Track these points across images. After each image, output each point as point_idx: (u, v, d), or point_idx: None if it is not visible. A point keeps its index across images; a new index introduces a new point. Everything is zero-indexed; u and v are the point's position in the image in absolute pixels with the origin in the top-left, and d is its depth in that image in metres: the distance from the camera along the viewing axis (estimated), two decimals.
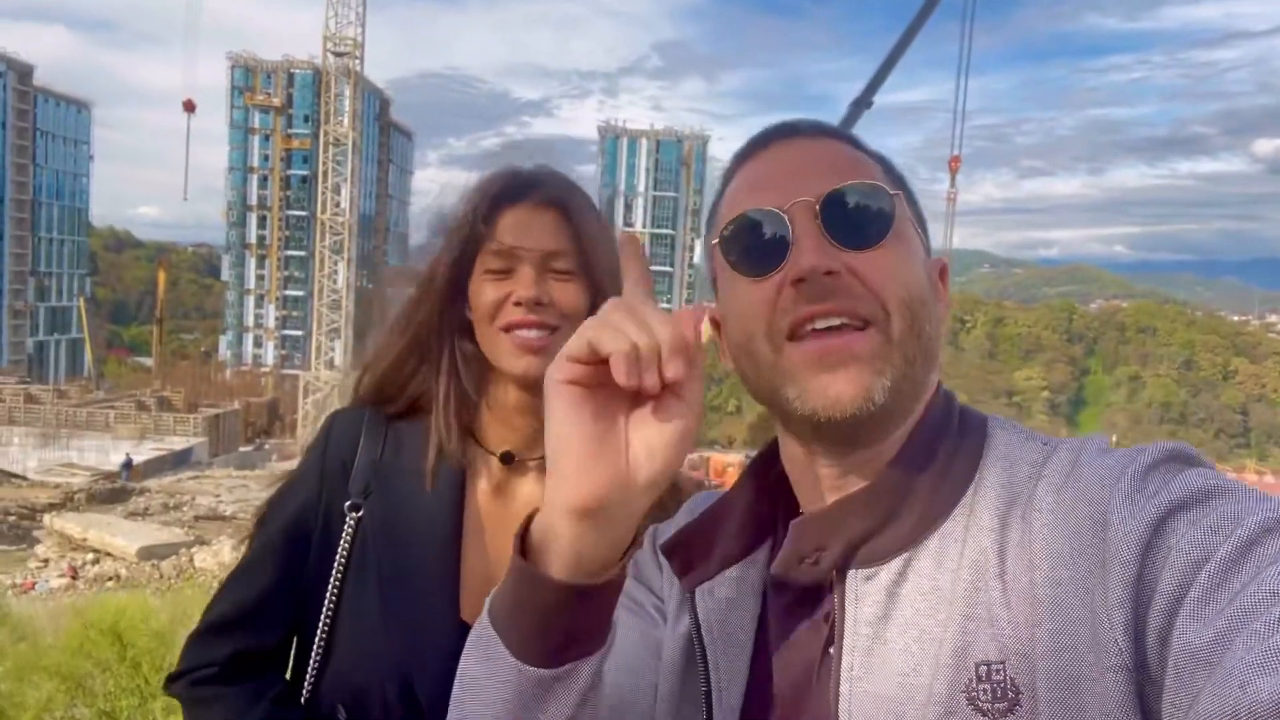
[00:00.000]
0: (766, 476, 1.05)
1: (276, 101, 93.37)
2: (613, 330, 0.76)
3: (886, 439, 0.92)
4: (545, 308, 1.43)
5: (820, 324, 0.88)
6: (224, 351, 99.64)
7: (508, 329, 1.44)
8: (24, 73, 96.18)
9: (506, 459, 1.52)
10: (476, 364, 1.51)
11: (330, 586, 1.49)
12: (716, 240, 0.96)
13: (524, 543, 0.83)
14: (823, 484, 0.95)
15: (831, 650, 0.90)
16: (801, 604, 0.96)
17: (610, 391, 0.78)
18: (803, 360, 0.88)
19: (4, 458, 48.78)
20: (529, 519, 0.85)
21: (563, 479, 0.79)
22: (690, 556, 1.02)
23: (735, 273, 0.94)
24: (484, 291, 1.46)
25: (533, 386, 1.46)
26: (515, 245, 1.44)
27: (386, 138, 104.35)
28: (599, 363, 0.77)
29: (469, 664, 0.88)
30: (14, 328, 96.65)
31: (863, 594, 0.89)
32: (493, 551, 1.50)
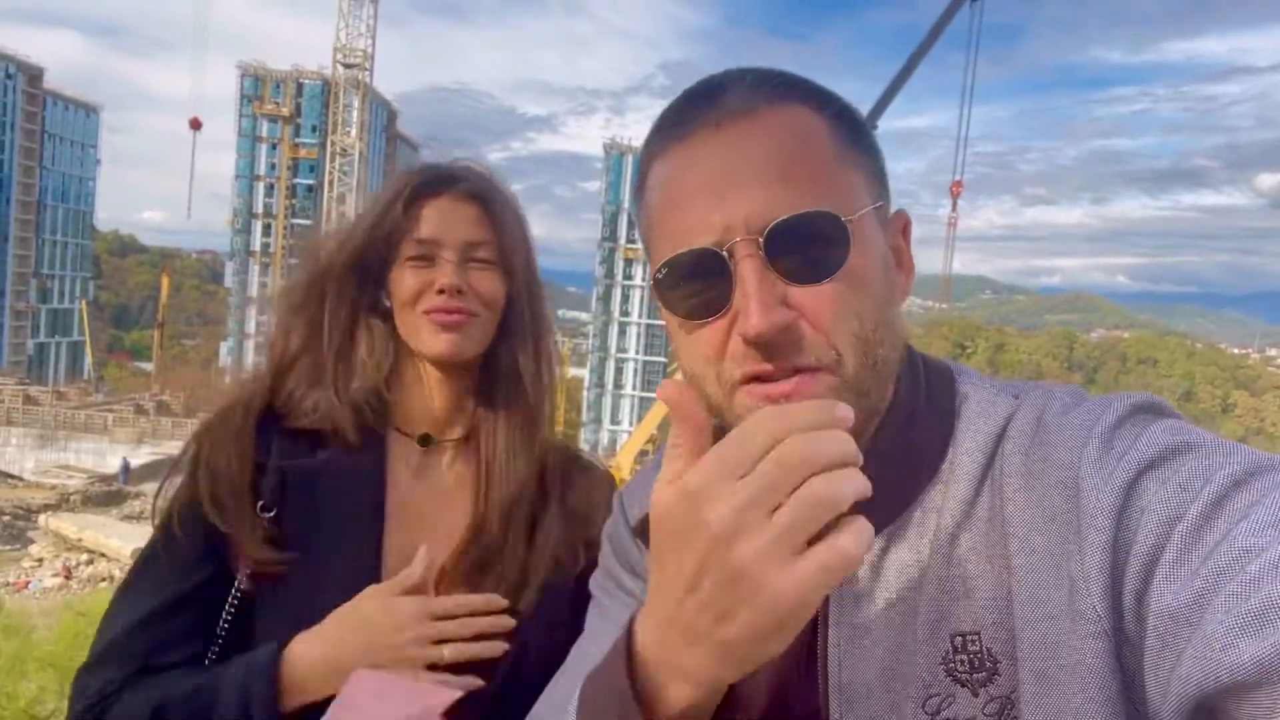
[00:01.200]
0: None
1: (285, 111, 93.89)
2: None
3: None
4: (465, 295, 1.47)
5: (773, 375, 0.84)
6: (225, 358, 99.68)
7: (429, 313, 1.47)
8: (34, 75, 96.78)
9: (425, 441, 1.54)
10: (390, 346, 1.52)
11: (236, 584, 1.42)
12: (651, 282, 0.89)
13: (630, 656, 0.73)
14: None
15: (820, 629, 0.89)
16: None
17: None
18: (751, 407, 0.84)
19: (1, 458, 48.75)
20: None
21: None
22: None
23: (675, 315, 0.88)
24: (405, 279, 1.48)
25: (448, 366, 1.52)
26: (437, 235, 1.48)
27: (393, 149, 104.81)
28: None
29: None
30: (15, 329, 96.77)
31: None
32: (414, 531, 1.50)
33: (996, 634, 0.79)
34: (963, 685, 0.80)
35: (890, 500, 0.87)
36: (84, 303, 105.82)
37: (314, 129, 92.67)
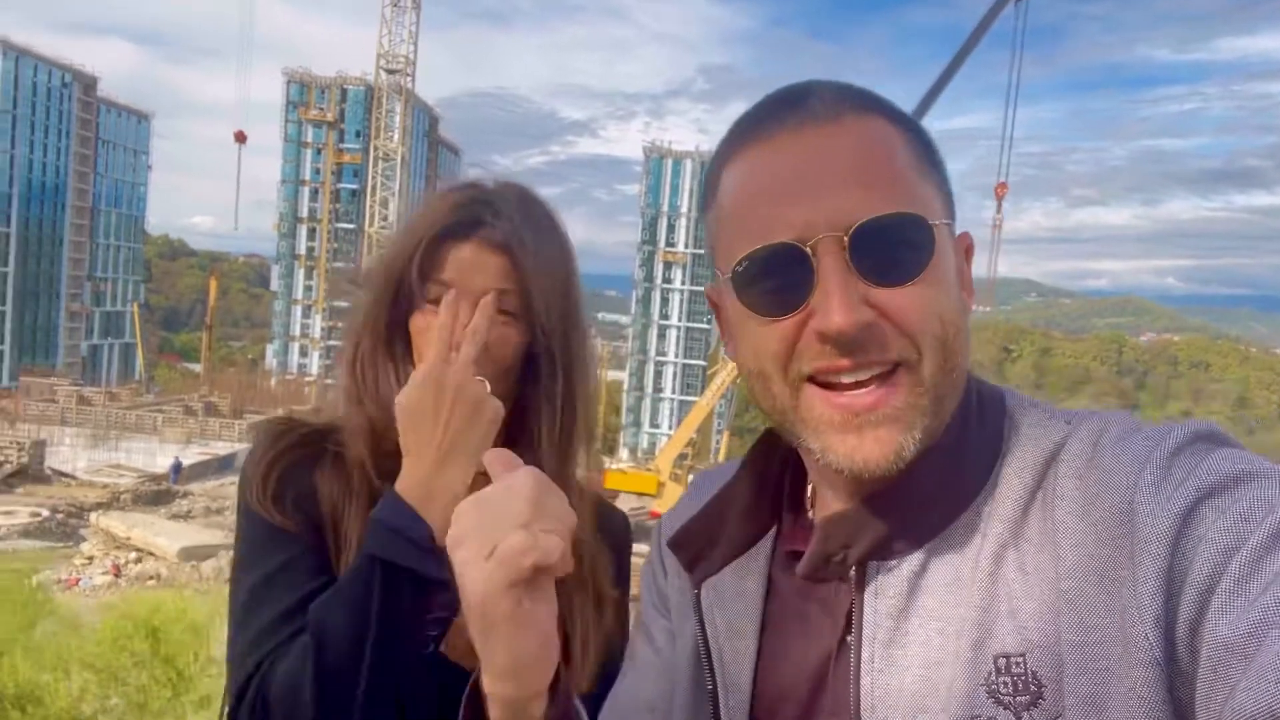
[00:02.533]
0: (769, 461, 1.03)
1: (329, 116, 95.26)
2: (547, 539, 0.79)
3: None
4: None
5: (847, 378, 0.83)
6: (270, 360, 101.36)
7: None
8: (89, 84, 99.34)
9: None
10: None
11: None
12: (729, 275, 0.88)
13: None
14: (845, 486, 0.92)
15: (850, 642, 0.88)
16: (815, 595, 0.93)
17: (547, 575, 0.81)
18: (825, 415, 0.84)
19: (55, 457, 50.01)
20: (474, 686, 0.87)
21: (532, 673, 0.82)
22: (697, 551, 1.02)
23: (749, 310, 0.87)
24: (418, 323, 1.43)
25: None
26: (455, 283, 1.41)
27: (434, 154, 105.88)
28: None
29: None
30: (70, 330, 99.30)
31: (883, 586, 0.86)
32: None
33: (1043, 657, 0.78)
34: (1005, 708, 0.79)
35: (931, 516, 0.86)
36: (135, 305, 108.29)
37: (358, 134, 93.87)
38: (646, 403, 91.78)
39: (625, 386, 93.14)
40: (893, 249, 0.82)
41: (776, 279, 0.84)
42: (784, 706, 0.93)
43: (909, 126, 0.89)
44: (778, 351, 0.85)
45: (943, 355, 0.83)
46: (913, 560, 0.86)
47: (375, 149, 77.04)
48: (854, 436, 0.83)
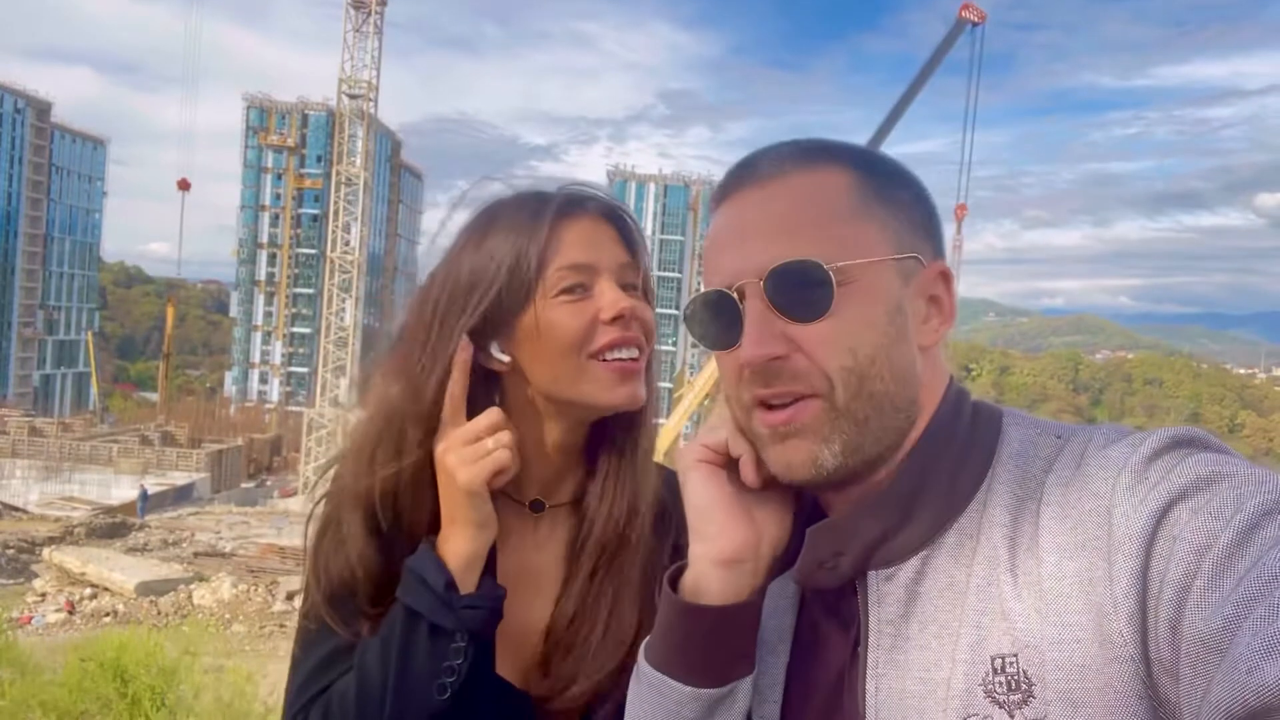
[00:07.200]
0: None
1: (290, 142, 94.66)
2: (736, 436, 0.98)
3: (874, 473, 0.95)
4: (637, 322, 1.30)
5: (773, 401, 0.93)
6: (229, 387, 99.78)
7: (600, 353, 1.28)
8: (42, 110, 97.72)
9: (536, 507, 1.42)
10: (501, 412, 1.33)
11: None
12: (683, 316, 1.01)
13: (675, 591, 0.99)
14: (831, 498, 1.00)
15: (859, 650, 0.93)
16: (830, 607, 0.99)
17: (732, 474, 0.99)
18: (762, 429, 0.95)
19: (5, 490, 48.65)
20: (675, 573, 1.02)
21: (709, 539, 0.98)
22: None
23: (700, 344, 1.00)
24: (560, 318, 1.27)
25: (585, 425, 1.38)
26: (591, 260, 1.29)
27: (397, 178, 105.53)
28: (726, 457, 0.99)
29: (639, 710, 1.01)
30: (21, 360, 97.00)
31: (884, 594, 0.91)
32: (524, 603, 1.38)
33: (1032, 656, 0.81)
34: (1000, 706, 0.81)
35: (924, 524, 0.91)
36: (90, 334, 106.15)
37: (319, 159, 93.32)
38: None
39: None
40: (800, 290, 0.91)
41: (717, 320, 0.97)
42: (807, 711, 0.99)
43: (861, 168, 0.96)
44: (730, 379, 0.98)
45: (854, 383, 0.91)
46: (910, 567, 0.90)
47: (337, 174, 76.38)
48: (779, 445, 0.94)
